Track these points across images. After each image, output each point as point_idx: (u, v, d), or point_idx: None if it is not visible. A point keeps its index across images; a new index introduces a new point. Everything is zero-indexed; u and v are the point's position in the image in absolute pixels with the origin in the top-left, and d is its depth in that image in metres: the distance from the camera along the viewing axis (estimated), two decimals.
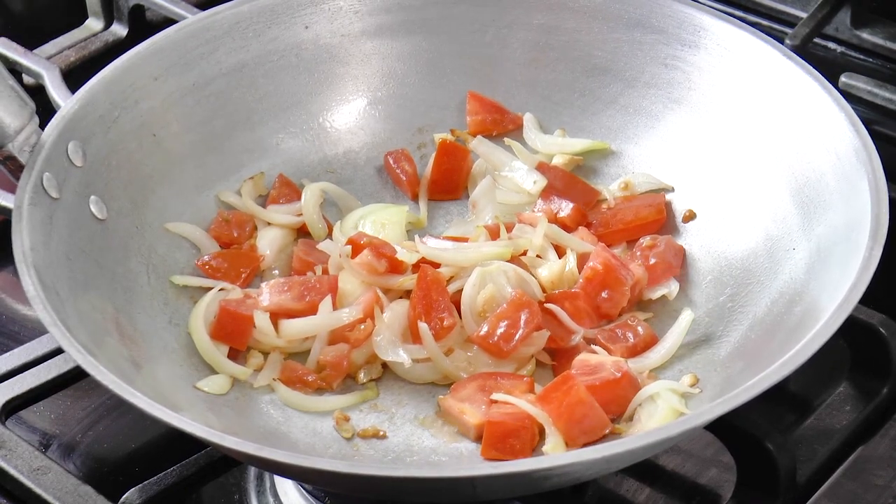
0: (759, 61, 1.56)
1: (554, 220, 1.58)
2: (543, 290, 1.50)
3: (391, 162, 1.67)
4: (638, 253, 1.54)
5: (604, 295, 1.49)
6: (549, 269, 1.52)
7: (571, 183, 1.62)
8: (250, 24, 1.65)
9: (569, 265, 1.52)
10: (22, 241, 1.37)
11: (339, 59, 1.68)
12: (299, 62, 1.67)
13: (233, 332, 1.48)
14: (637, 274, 1.51)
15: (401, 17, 1.69)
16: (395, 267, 1.50)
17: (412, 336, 1.47)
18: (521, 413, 1.37)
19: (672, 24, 1.62)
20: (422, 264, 1.50)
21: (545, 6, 1.68)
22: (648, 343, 1.47)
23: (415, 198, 1.66)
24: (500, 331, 1.45)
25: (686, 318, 1.48)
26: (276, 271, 1.58)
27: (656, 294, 1.52)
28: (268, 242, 1.59)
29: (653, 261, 1.53)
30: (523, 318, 1.45)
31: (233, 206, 1.62)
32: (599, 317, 1.50)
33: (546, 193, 1.61)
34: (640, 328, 1.48)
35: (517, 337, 1.44)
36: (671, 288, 1.52)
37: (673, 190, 1.61)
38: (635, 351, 1.47)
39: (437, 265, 1.50)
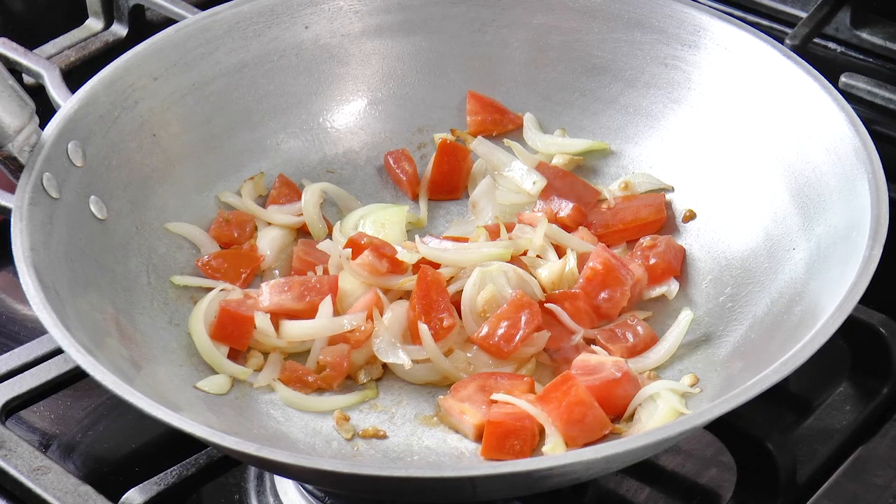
0: (759, 61, 1.56)
1: (554, 220, 1.58)
2: (543, 291, 1.50)
3: (391, 162, 1.67)
4: (638, 253, 1.54)
5: (604, 295, 1.49)
6: (550, 269, 1.52)
7: (571, 183, 1.62)
8: (250, 24, 1.65)
9: (569, 265, 1.52)
10: (22, 241, 1.37)
11: (339, 59, 1.68)
12: (299, 62, 1.67)
13: (233, 332, 1.48)
14: (637, 274, 1.51)
15: (401, 17, 1.69)
16: (396, 267, 1.50)
17: (412, 336, 1.47)
18: (521, 413, 1.37)
19: (672, 24, 1.62)
20: (422, 265, 1.50)
21: (545, 6, 1.68)
22: (648, 343, 1.47)
23: (415, 198, 1.66)
24: (500, 331, 1.45)
25: (686, 317, 1.48)
26: (277, 271, 1.58)
27: (655, 293, 1.52)
28: (268, 242, 1.59)
29: (653, 261, 1.53)
30: (524, 318, 1.45)
31: (233, 206, 1.62)
32: (599, 317, 1.50)
33: (546, 193, 1.61)
34: (639, 328, 1.48)
35: (518, 337, 1.44)
36: (671, 287, 1.52)
37: (673, 190, 1.61)
38: (635, 351, 1.47)
39: (437, 265, 1.50)
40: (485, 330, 1.46)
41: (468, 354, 1.46)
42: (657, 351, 1.46)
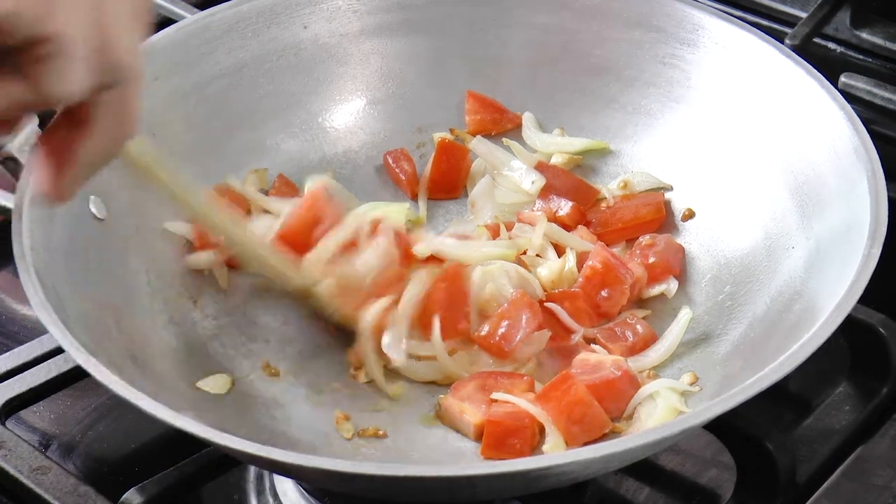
0: (758, 60, 1.56)
1: (553, 219, 1.58)
2: (543, 290, 1.50)
3: (390, 161, 1.67)
4: (637, 252, 1.54)
5: (603, 294, 1.49)
6: (549, 268, 1.52)
7: (570, 182, 1.62)
8: (250, 24, 1.65)
9: (568, 264, 1.52)
10: (22, 241, 1.37)
11: (339, 59, 1.69)
12: (298, 62, 1.67)
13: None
14: (636, 273, 1.51)
15: (401, 16, 1.69)
16: (406, 258, 1.49)
17: (420, 327, 1.46)
18: (521, 412, 1.37)
19: (671, 24, 1.62)
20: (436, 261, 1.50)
21: (545, 6, 1.68)
22: (648, 341, 1.47)
23: (414, 197, 1.66)
24: (501, 331, 1.45)
25: (685, 316, 1.48)
26: None
27: (654, 291, 1.52)
28: (262, 230, 1.57)
29: (652, 259, 1.53)
30: (524, 317, 1.45)
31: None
32: (599, 316, 1.50)
33: (545, 193, 1.61)
34: (639, 327, 1.48)
35: (518, 337, 1.44)
36: (670, 285, 1.52)
37: (672, 189, 1.61)
38: (635, 349, 1.47)
39: (440, 261, 1.50)
40: (486, 329, 1.46)
41: (469, 354, 1.46)
42: (657, 349, 1.46)
